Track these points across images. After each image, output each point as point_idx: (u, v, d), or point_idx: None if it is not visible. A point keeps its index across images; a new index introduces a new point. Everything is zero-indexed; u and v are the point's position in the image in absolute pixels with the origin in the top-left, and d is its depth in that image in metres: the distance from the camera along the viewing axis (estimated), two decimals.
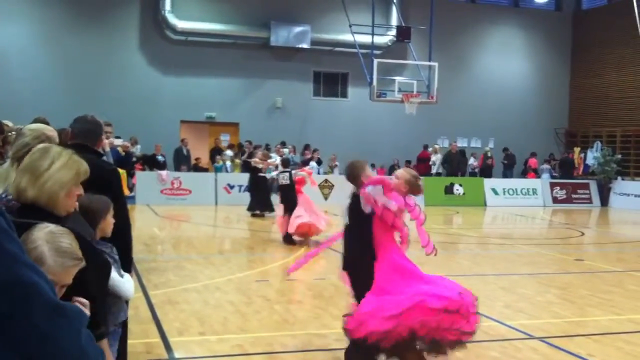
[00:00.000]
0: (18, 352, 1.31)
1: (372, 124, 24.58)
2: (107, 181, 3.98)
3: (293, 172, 12.65)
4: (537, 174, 24.96)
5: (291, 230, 11.88)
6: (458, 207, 21.27)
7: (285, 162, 13.25)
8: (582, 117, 27.33)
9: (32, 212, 2.36)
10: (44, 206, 2.45)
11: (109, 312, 3.62)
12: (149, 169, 20.57)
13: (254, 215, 16.71)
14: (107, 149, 6.37)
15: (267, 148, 21.15)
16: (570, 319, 7.24)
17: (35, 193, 2.43)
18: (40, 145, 2.62)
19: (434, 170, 23.47)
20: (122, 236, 3.83)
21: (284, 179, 12.46)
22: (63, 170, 2.49)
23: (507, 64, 26.86)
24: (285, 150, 22.23)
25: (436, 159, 23.41)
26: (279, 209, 12.75)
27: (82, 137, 4.31)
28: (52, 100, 20.74)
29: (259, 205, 16.85)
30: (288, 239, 12.08)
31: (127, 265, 4.09)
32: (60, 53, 22.07)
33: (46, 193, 2.46)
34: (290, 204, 12.21)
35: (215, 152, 21.95)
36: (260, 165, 17.00)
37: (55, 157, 2.50)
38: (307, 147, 23.07)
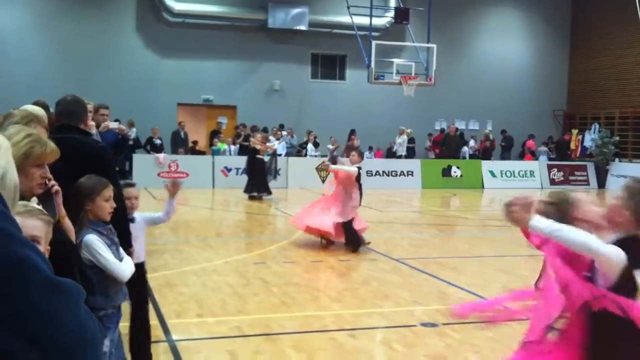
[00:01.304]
0: (17, 331, 1.31)
1: (370, 107, 24.52)
2: (95, 160, 3.94)
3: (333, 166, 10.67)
4: (534, 156, 24.96)
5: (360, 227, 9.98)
6: (455, 190, 21.29)
7: (332, 159, 11.08)
8: (580, 99, 27.28)
9: None
10: None
11: (104, 294, 3.62)
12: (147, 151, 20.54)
13: (251, 198, 16.70)
14: (94, 131, 6.31)
15: (265, 130, 21.12)
16: None
17: None
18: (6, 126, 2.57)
19: (399, 152, 23.04)
20: (115, 217, 3.79)
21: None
22: (14, 149, 2.45)
23: (506, 46, 26.74)
24: (284, 133, 22.25)
25: (402, 140, 23.01)
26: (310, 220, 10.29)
27: (65, 117, 4.24)
28: (49, 83, 20.60)
29: (256, 187, 16.81)
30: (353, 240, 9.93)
31: (125, 241, 4.08)
32: (56, 36, 21.93)
33: None
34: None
35: (214, 134, 21.92)
36: (258, 147, 16.94)
37: (11, 135, 2.44)
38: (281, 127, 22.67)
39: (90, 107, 6.49)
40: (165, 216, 5.12)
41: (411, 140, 23.57)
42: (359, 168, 10.08)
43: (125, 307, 4.78)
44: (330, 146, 22.46)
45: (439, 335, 5.84)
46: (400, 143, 22.96)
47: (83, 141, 4.07)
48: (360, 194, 10.21)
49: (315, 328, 6.03)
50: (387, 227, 13.20)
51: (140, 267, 4.60)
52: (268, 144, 18.01)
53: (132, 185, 4.63)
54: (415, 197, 19.85)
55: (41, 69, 21.46)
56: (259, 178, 16.82)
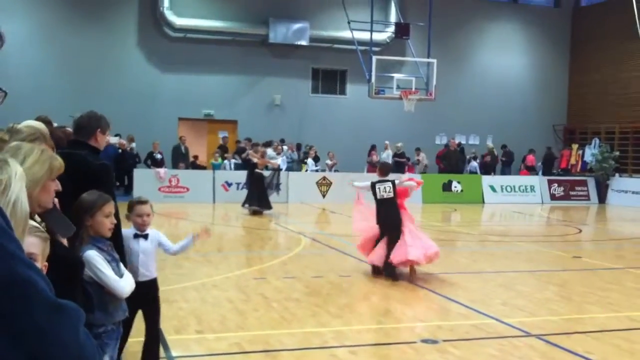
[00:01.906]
0: (18, 351, 1.32)
1: (371, 121, 24.57)
2: (93, 177, 3.96)
3: (397, 181, 9.47)
4: (529, 171, 24.95)
5: (399, 259, 8.77)
6: (456, 205, 21.27)
7: (386, 168, 9.82)
8: (580, 113, 27.33)
9: None
10: None
11: (104, 310, 3.62)
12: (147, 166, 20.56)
13: (254, 213, 16.63)
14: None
15: (269, 144, 21.14)
16: (568, 316, 7.24)
17: None
18: (13, 143, 2.59)
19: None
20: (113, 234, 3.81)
21: (385, 191, 9.32)
22: (36, 166, 2.48)
23: (506, 60, 26.85)
24: (285, 147, 22.27)
25: (386, 155, 22.83)
26: (358, 225, 9.94)
27: (76, 133, 4.32)
28: (50, 97, 20.71)
29: (257, 202, 16.76)
30: (389, 271, 8.89)
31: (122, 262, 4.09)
32: (58, 50, 22.04)
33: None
34: (391, 225, 9.16)
35: (223, 149, 22.02)
36: (255, 160, 16.91)
37: (27, 153, 2.48)
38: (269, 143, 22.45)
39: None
40: (174, 250, 5.07)
41: (401, 154, 23.42)
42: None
43: (137, 323, 4.80)
44: (328, 161, 22.49)
45: (440, 352, 5.81)
46: (385, 158, 22.83)
47: (84, 158, 4.09)
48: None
49: (316, 344, 6.00)
50: None
51: (153, 283, 4.64)
52: (273, 161, 18.00)
53: (144, 202, 4.62)
54: (415, 211, 19.73)
55: (43, 83, 21.54)
56: (258, 192, 16.74)
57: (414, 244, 8.77)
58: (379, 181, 9.47)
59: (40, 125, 4.11)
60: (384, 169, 9.69)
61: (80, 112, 7.90)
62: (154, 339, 4.85)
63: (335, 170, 22.43)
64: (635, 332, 6.63)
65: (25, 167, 2.43)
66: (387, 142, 23.19)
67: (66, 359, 1.36)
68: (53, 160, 2.56)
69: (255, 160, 16.89)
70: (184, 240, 4.94)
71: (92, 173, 4.02)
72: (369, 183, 9.74)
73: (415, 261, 8.76)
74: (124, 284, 3.69)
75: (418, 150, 23.99)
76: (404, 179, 9.43)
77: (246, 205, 16.85)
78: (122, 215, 4.32)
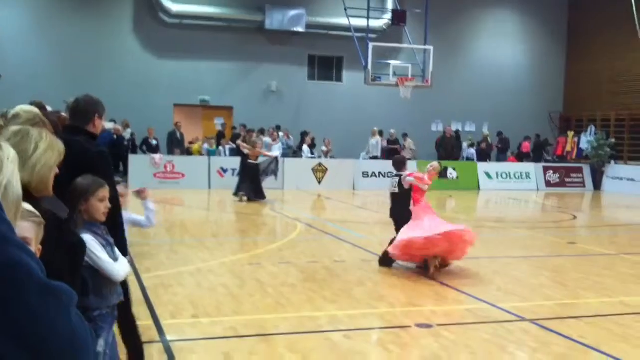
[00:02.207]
0: (9, 333, 1.31)
1: (367, 108, 24.53)
2: (90, 164, 3.95)
3: (402, 176, 8.97)
4: (522, 158, 24.96)
5: (394, 250, 8.42)
6: (452, 191, 21.30)
7: (397, 162, 9.38)
8: (576, 101, 27.32)
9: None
10: (32, 189, 2.43)
11: (98, 294, 3.62)
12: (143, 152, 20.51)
13: (249, 201, 16.49)
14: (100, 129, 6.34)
15: (261, 132, 21.10)
16: (562, 302, 7.28)
17: (26, 177, 2.42)
18: (14, 128, 2.58)
19: (372, 153, 22.81)
20: (111, 218, 3.81)
21: (393, 186, 9.08)
22: (49, 151, 2.49)
23: (503, 48, 26.79)
24: (281, 134, 22.24)
25: (375, 142, 22.80)
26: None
27: (73, 118, 4.29)
28: (46, 84, 20.61)
29: (253, 193, 16.54)
30: (384, 260, 8.81)
31: (121, 248, 4.10)
32: (53, 37, 21.91)
33: (38, 176, 2.45)
34: (395, 220, 8.99)
35: (220, 136, 22.01)
36: (246, 151, 16.63)
37: (37, 139, 2.48)
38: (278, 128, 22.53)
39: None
40: (146, 221, 5.09)
41: (395, 141, 23.44)
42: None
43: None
44: (324, 148, 22.45)
45: (434, 336, 5.85)
46: (374, 145, 22.79)
47: (80, 145, 4.07)
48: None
49: (310, 329, 6.03)
50: (382, 228, 13.20)
51: None
52: (269, 153, 17.68)
53: (117, 182, 4.58)
54: None
55: (38, 70, 21.44)
56: (252, 184, 16.45)
57: (406, 236, 8.26)
58: (392, 175, 9.41)
59: (36, 110, 4.10)
60: (395, 163, 9.32)
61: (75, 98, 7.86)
62: (131, 323, 4.72)
63: (331, 157, 22.43)
64: (629, 317, 6.67)
65: (39, 153, 2.44)
66: (375, 128, 23.11)
67: (58, 341, 1.36)
68: (60, 146, 2.58)
69: (246, 151, 16.56)
70: (144, 212, 4.98)
71: (91, 160, 4.00)
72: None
73: (390, 253, 8.45)
74: (119, 268, 3.70)
75: (405, 136, 23.93)
76: (405, 175, 8.87)
77: (240, 194, 16.59)
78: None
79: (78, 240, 3.07)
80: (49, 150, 2.47)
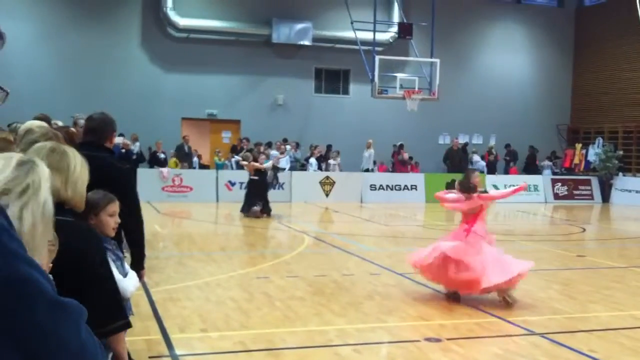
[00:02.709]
0: (19, 349, 1.32)
1: (374, 121, 24.55)
2: (117, 180, 3.99)
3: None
4: (525, 171, 24.96)
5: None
6: None
7: (463, 186, 8.06)
8: (583, 113, 27.27)
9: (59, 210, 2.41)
10: (74, 206, 2.56)
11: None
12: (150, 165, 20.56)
13: (257, 216, 15.97)
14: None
15: (269, 145, 21.15)
16: (571, 315, 7.23)
17: (71, 193, 2.56)
18: (50, 144, 2.65)
19: (364, 166, 22.61)
20: (133, 233, 3.89)
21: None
22: (84, 169, 2.60)
23: (509, 60, 26.80)
24: (288, 147, 22.27)
25: (368, 154, 22.62)
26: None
27: (91, 134, 4.35)
28: (54, 97, 20.74)
29: (262, 206, 16.19)
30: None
31: (139, 262, 4.20)
32: (62, 50, 22.07)
33: (79, 193, 2.62)
34: None
35: (234, 150, 21.99)
36: (244, 165, 16.54)
37: (73, 156, 2.58)
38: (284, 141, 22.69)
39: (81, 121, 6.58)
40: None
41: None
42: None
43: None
44: (332, 161, 22.39)
45: (443, 350, 5.82)
46: (367, 157, 22.66)
47: (107, 161, 4.13)
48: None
49: (319, 343, 6.01)
50: (391, 242, 13.19)
51: None
52: (264, 165, 16.95)
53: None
54: (419, 211, 19.83)
55: (45, 83, 21.58)
56: (255, 199, 16.16)
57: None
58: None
59: (47, 125, 4.14)
60: (461, 187, 8.09)
61: (83, 112, 7.92)
62: None
63: (340, 170, 22.43)
64: (639, 330, 6.62)
65: (78, 170, 2.55)
66: (370, 140, 22.89)
67: (68, 356, 1.37)
68: (86, 163, 2.69)
69: (244, 165, 16.42)
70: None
71: (118, 176, 4.07)
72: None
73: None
74: (128, 284, 3.70)
75: (401, 146, 23.77)
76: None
77: (254, 208, 16.03)
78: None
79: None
80: (84, 167, 2.57)
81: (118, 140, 19.18)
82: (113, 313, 2.76)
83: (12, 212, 1.45)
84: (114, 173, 4.08)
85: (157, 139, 21.05)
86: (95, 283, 2.63)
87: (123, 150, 18.53)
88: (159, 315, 6.72)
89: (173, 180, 19.76)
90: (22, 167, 1.53)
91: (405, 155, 23.41)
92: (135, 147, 20.52)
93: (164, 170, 19.81)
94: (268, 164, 17.03)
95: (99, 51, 22.32)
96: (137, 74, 22.84)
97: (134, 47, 23.03)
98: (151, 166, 20.47)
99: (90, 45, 22.20)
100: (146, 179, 19.40)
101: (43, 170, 1.59)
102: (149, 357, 5.49)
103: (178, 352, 5.67)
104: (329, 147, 22.94)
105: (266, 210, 16.27)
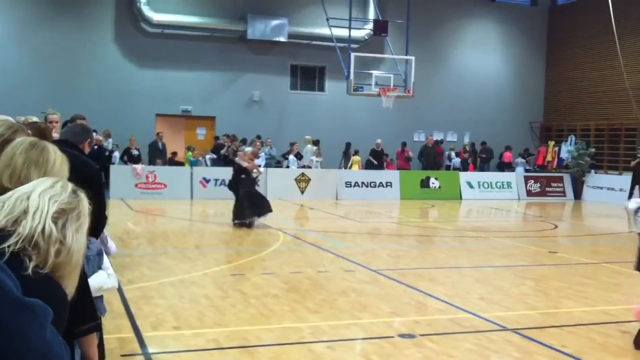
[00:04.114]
0: None
1: (350, 118, 24.60)
2: (90, 179, 3.97)
3: None
4: (499, 168, 25.21)
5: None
6: (434, 201, 21.39)
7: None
8: (556, 111, 27.60)
9: None
10: None
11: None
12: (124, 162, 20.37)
13: (241, 225, 13.78)
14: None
15: (243, 142, 21.05)
16: (544, 311, 7.31)
17: None
18: (30, 139, 2.59)
19: (298, 164, 21.76)
20: (95, 231, 3.85)
21: None
22: (64, 165, 2.53)
23: (484, 58, 27.02)
24: (264, 144, 22.21)
25: (306, 150, 22.13)
26: None
27: (70, 134, 4.38)
28: (26, 93, 20.47)
29: (249, 212, 13.76)
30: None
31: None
32: (33, 46, 21.76)
33: None
34: None
35: (219, 148, 21.56)
36: (244, 164, 14.13)
37: (53, 152, 2.52)
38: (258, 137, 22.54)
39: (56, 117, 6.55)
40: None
41: (381, 152, 23.52)
42: None
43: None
44: (314, 158, 22.34)
45: (417, 346, 5.84)
46: (306, 153, 22.28)
47: (82, 160, 4.11)
48: None
49: (293, 340, 6.00)
50: (365, 238, 13.22)
51: None
52: (254, 164, 14.67)
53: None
54: (394, 208, 19.91)
55: (18, 78, 21.28)
56: (246, 202, 13.79)
57: None
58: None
59: (9, 118, 4.07)
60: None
61: (55, 108, 7.81)
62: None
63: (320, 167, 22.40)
64: (610, 325, 6.71)
65: (58, 164, 2.48)
66: (307, 136, 22.62)
67: (32, 357, 1.35)
68: (64, 156, 2.64)
69: (245, 164, 14.07)
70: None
71: (92, 176, 4.05)
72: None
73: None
74: (95, 282, 3.64)
75: (404, 144, 23.92)
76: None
77: (256, 218, 13.85)
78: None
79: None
80: (64, 163, 2.51)
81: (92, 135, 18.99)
82: (83, 314, 2.71)
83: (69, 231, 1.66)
84: (88, 171, 4.05)
85: (131, 135, 20.85)
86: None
87: (95, 147, 18.33)
88: (131, 313, 6.66)
89: (147, 177, 19.59)
90: (75, 194, 1.76)
91: (410, 153, 23.66)
92: (109, 144, 20.32)
93: (138, 167, 19.64)
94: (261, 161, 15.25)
95: (72, 47, 22.05)
96: (110, 70, 22.60)
97: (107, 42, 22.79)
98: (124, 163, 20.29)
99: (62, 40, 21.92)
100: (119, 175, 19.24)
101: (85, 199, 1.78)
102: (121, 356, 5.44)
103: (151, 350, 5.62)
104: (348, 144, 23.43)
105: (257, 213, 13.99)
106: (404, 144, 24.11)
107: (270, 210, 14.03)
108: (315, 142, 22.39)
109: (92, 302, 2.87)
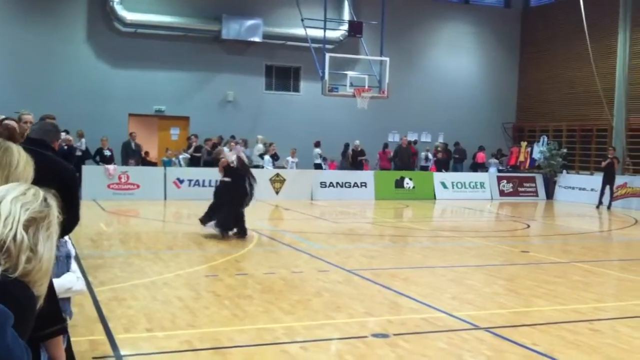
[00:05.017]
0: None
1: (325, 118, 24.61)
2: (64, 180, 3.93)
3: None
4: (472, 168, 25.41)
5: None
6: (408, 201, 21.49)
7: None
8: (529, 112, 27.90)
9: None
10: None
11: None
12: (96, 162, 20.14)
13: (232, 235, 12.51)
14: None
15: (220, 140, 20.93)
16: (515, 310, 7.39)
17: None
18: None
19: (255, 162, 21.33)
20: (67, 232, 3.82)
21: None
22: (28, 167, 2.47)
23: (458, 59, 27.22)
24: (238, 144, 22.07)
25: (257, 149, 22.08)
26: None
27: (41, 133, 4.33)
28: None
29: (240, 222, 12.50)
30: None
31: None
32: (4, 45, 21.42)
33: None
34: None
35: (198, 149, 21.36)
36: (235, 164, 12.64)
37: (17, 153, 2.45)
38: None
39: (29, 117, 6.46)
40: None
41: (361, 152, 23.59)
42: None
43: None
44: (289, 158, 22.30)
45: (390, 346, 5.87)
46: (256, 152, 22.14)
47: (55, 160, 4.06)
48: None
49: (267, 341, 5.99)
50: (340, 238, 13.24)
51: None
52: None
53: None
54: (368, 208, 19.97)
55: None
56: (232, 215, 12.36)
57: None
58: None
59: None
60: None
61: (28, 108, 7.71)
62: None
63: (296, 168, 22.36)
64: (581, 324, 6.80)
65: (22, 166, 2.40)
66: (259, 136, 22.62)
67: None
68: (32, 161, 2.56)
69: (235, 164, 12.56)
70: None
71: (67, 175, 4.01)
72: None
73: None
74: (60, 283, 3.58)
75: (318, 143, 23.53)
76: None
77: (239, 232, 12.47)
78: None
79: None
80: (28, 165, 2.45)
81: (61, 135, 18.75)
82: (48, 317, 2.66)
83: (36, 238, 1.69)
84: (60, 171, 4.01)
85: (103, 135, 20.62)
86: None
87: (66, 147, 18.12)
88: (103, 315, 6.59)
89: (119, 178, 19.40)
90: (46, 203, 1.78)
91: (390, 153, 24.09)
92: (81, 144, 20.08)
93: (110, 167, 19.44)
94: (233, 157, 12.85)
95: (44, 46, 21.76)
96: (83, 70, 22.34)
97: (80, 42, 22.52)
98: (97, 163, 20.06)
99: (34, 40, 21.61)
100: (92, 176, 19.03)
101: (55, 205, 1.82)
102: (93, 358, 5.38)
103: (123, 352, 5.57)
104: (346, 145, 23.54)
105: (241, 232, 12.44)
106: (385, 145, 24.26)
107: (245, 235, 12.39)
108: (267, 145, 21.89)
109: (57, 304, 2.82)
